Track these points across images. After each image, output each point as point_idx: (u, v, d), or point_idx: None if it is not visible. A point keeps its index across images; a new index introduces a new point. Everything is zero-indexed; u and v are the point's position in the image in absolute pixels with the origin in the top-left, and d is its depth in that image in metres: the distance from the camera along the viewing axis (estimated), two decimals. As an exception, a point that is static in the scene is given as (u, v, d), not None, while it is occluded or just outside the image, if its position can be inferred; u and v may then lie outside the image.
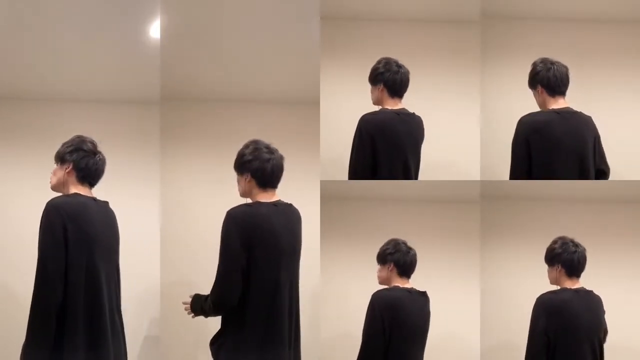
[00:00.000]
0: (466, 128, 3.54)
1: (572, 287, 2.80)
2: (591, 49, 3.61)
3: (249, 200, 2.68)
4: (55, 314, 2.40)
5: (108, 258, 2.60)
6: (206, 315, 2.68)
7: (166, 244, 3.46)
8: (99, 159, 2.62)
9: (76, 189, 2.59)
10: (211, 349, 2.61)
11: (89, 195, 2.61)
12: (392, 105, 2.98)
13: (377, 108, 3.00)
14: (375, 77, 2.99)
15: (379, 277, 3.00)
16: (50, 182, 2.63)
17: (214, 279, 2.58)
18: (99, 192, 2.68)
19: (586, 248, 2.87)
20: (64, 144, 2.62)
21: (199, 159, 3.66)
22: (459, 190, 3.52)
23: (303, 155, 3.55)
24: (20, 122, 3.56)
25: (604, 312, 2.84)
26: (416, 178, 3.03)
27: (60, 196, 2.54)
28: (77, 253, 2.45)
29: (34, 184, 3.39)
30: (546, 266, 2.89)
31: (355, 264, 3.55)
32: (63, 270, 2.41)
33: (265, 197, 2.65)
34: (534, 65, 2.96)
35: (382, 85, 2.97)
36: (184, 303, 2.76)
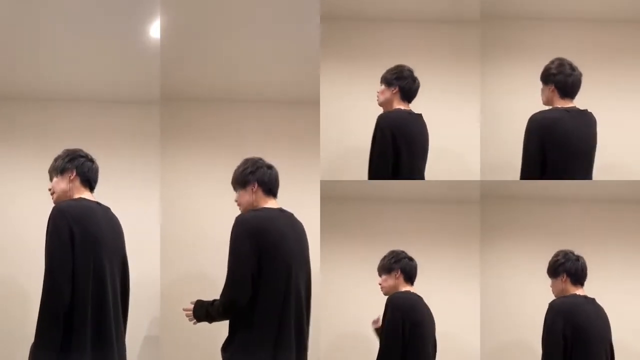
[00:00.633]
0: (466, 128, 3.54)
1: (581, 294, 2.82)
2: (591, 48, 3.60)
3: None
4: (62, 317, 2.41)
5: (114, 260, 2.61)
6: (211, 321, 2.68)
7: (166, 244, 3.46)
8: (96, 165, 2.68)
9: (81, 193, 2.61)
10: (223, 356, 2.61)
11: (92, 199, 2.63)
12: (404, 106, 3.02)
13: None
14: (391, 80, 3.05)
15: (384, 287, 3.05)
16: (52, 198, 2.64)
17: (214, 278, 2.58)
18: (99, 191, 2.68)
19: (586, 248, 2.88)
20: (57, 158, 2.64)
21: (199, 159, 3.66)
22: (459, 190, 3.52)
23: (303, 155, 3.55)
24: (20, 122, 3.56)
25: None
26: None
27: (66, 200, 2.57)
28: (83, 256, 2.46)
29: (34, 184, 3.39)
30: (546, 266, 2.89)
31: (355, 264, 3.55)
32: (70, 273, 2.43)
33: (270, 205, 2.69)
34: (553, 65, 2.97)
35: (397, 88, 3.03)
36: (185, 309, 2.75)
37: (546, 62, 3.19)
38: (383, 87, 3.07)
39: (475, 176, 3.44)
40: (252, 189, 2.69)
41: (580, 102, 2.98)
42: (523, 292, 3.34)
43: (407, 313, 2.89)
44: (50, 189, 2.65)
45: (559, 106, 2.94)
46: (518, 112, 3.60)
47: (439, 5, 3.57)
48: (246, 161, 2.75)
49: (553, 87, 2.95)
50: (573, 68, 2.96)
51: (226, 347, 2.60)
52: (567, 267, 2.82)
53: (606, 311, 2.84)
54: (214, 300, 2.64)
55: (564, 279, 2.83)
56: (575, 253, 2.87)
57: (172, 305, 3.07)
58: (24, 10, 3.01)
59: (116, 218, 2.70)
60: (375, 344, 3.00)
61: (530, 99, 3.48)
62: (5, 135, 3.55)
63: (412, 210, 3.64)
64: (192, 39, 3.31)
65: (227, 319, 2.63)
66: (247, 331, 2.55)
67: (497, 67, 3.62)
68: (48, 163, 2.65)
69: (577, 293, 2.82)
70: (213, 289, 2.66)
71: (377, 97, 3.09)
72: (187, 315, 2.74)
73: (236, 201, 2.75)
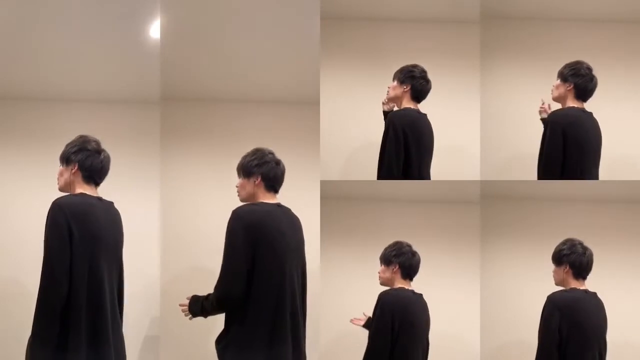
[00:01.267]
0: (466, 128, 3.54)
1: (581, 288, 2.81)
2: (591, 48, 3.60)
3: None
4: (59, 312, 2.42)
5: (111, 257, 2.61)
6: (206, 315, 2.69)
7: (166, 243, 3.46)
8: (104, 157, 2.65)
9: (82, 188, 2.61)
10: (217, 348, 2.62)
11: (94, 194, 2.63)
12: (413, 106, 3.01)
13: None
14: (405, 79, 3.05)
15: (381, 278, 3.01)
16: (58, 184, 2.65)
17: (214, 278, 2.58)
18: (99, 192, 2.68)
19: (587, 248, 2.88)
20: (68, 145, 2.64)
21: (199, 158, 3.66)
22: (459, 190, 3.52)
23: (303, 155, 3.55)
24: (20, 122, 3.56)
25: None
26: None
27: (66, 195, 2.57)
28: (81, 251, 2.47)
29: (34, 183, 3.40)
30: (546, 266, 2.89)
31: (355, 264, 3.55)
32: (68, 269, 2.44)
33: (269, 200, 2.70)
34: (574, 66, 2.99)
35: (409, 87, 3.04)
36: (181, 305, 2.77)
37: (546, 62, 3.20)
38: (395, 83, 3.07)
39: (475, 176, 3.44)
40: (255, 182, 2.69)
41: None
42: (523, 292, 3.34)
43: (398, 312, 2.84)
44: (58, 173, 2.65)
45: (576, 106, 2.96)
46: (518, 112, 3.62)
47: (439, 5, 3.57)
48: (256, 151, 2.75)
49: (572, 86, 2.97)
50: (592, 74, 2.97)
51: (220, 340, 2.62)
52: (571, 260, 2.80)
53: (607, 310, 2.84)
54: (209, 294, 2.64)
55: (566, 270, 2.82)
56: (584, 244, 2.85)
57: (172, 304, 3.06)
58: (24, 11, 3.01)
59: (117, 213, 2.70)
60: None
61: (530, 99, 3.49)
62: (5, 135, 3.55)
63: (412, 210, 3.64)
64: (192, 39, 3.31)
65: (221, 313, 2.63)
66: (241, 325, 2.56)
67: (497, 67, 3.62)
68: (48, 163, 2.65)
69: (577, 287, 2.80)
70: (213, 289, 2.66)
71: (388, 91, 3.09)
72: (183, 311, 2.76)
73: (237, 186, 2.75)
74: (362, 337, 2.93)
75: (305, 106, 3.54)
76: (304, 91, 3.47)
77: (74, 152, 2.61)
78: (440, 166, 3.44)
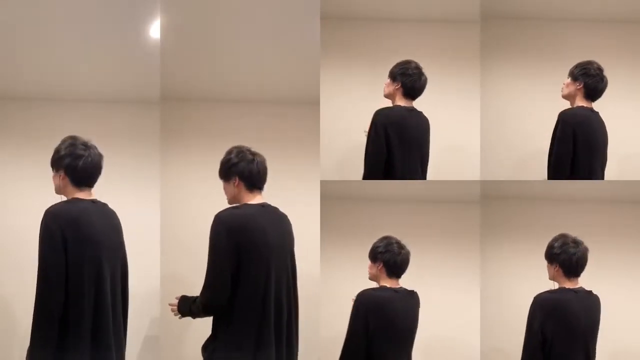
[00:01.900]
0: (466, 128, 3.54)
1: (571, 287, 2.79)
2: (591, 48, 3.60)
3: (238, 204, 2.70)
4: (57, 319, 2.42)
5: (112, 259, 2.60)
6: (194, 317, 2.71)
7: (166, 244, 3.46)
8: (90, 159, 2.59)
9: (74, 193, 2.59)
10: (203, 354, 2.62)
11: (88, 197, 2.61)
12: (405, 103, 3.03)
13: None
14: (396, 76, 3.03)
15: (369, 273, 2.99)
16: (54, 190, 2.64)
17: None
18: (98, 192, 2.68)
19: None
20: (55, 150, 2.61)
21: (199, 158, 3.66)
22: (459, 190, 3.52)
23: (303, 155, 3.55)
24: (20, 122, 3.56)
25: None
26: (425, 177, 3.06)
27: (58, 203, 2.55)
28: (78, 258, 2.46)
29: (33, 184, 3.39)
30: (546, 266, 2.89)
31: (354, 264, 3.54)
32: (63, 276, 2.43)
33: (253, 200, 2.68)
34: (585, 66, 3.00)
35: (400, 85, 3.02)
36: (171, 304, 2.79)
37: (546, 62, 3.20)
38: (388, 80, 3.07)
39: (476, 176, 3.44)
40: (234, 183, 2.68)
41: (580, 102, 2.99)
42: (523, 292, 3.32)
43: (373, 312, 2.77)
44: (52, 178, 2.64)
45: (585, 105, 2.99)
46: (518, 112, 3.62)
47: (439, 5, 3.57)
48: (230, 151, 2.72)
49: (581, 85, 2.98)
50: (603, 74, 2.99)
51: (207, 346, 2.61)
52: (561, 259, 2.79)
53: (608, 311, 2.84)
54: (197, 298, 2.65)
55: (556, 269, 2.82)
56: (578, 239, 2.84)
57: (172, 305, 3.07)
58: (24, 10, 3.01)
59: (114, 215, 2.68)
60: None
61: (530, 99, 3.49)
62: (5, 135, 3.55)
63: (412, 210, 3.64)
64: (192, 39, 3.31)
65: (208, 316, 2.64)
66: (226, 330, 2.56)
67: (497, 67, 3.62)
68: (47, 163, 2.65)
69: (569, 285, 2.79)
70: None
71: (383, 88, 3.09)
72: (173, 310, 2.78)
73: (224, 191, 2.75)
74: (362, 337, 2.93)
75: (305, 106, 3.54)
76: (304, 91, 3.47)
77: (60, 158, 2.58)
78: (440, 166, 3.45)
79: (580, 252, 2.80)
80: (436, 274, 3.53)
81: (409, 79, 3.02)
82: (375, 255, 2.94)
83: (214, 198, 2.79)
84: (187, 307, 2.70)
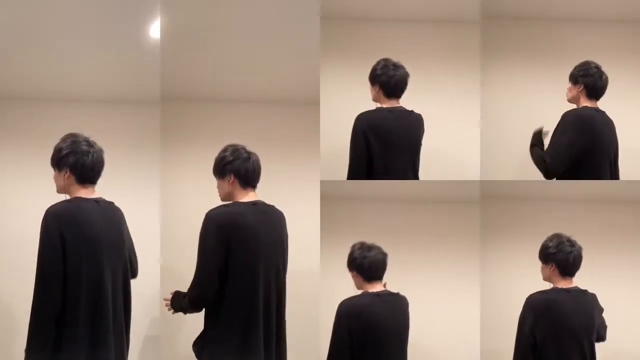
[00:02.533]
0: (466, 128, 3.54)
1: (565, 287, 2.78)
2: (591, 48, 3.60)
3: (229, 202, 2.71)
4: (54, 319, 2.42)
5: (116, 259, 2.60)
6: (185, 312, 2.73)
7: (166, 243, 3.46)
8: (94, 156, 2.59)
9: (78, 191, 2.59)
10: (194, 350, 2.64)
11: (91, 196, 2.60)
12: (388, 104, 3.00)
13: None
14: (373, 78, 3.02)
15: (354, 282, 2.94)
16: (56, 189, 2.63)
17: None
18: (99, 192, 2.68)
19: (586, 248, 2.86)
20: (56, 148, 2.60)
21: (199, 158, 3.65)
22: (459, 190, 3.52)
23: (303, 155, 3.55)
24: (19, 122, 3.56)
25: (600, 310, 2.83)
26: (417, 175, 3.03)
27: (59, 202, 2.54)
28: (77, 258, 2.46)
29: (33, 184, 3.40)
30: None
31: (355, 264, 3.55)
32: (61, 277, 2.43)
33: (245, 198, 2.69)
34: (583, 67, 3.02)
35: (378, 87, 2.99)
36: (165, 299, 2.82)
37: (546, 62, 3.20)
38: (370, 86, 3.05)
39: (475, 176, 3.43)
40: (229, 181, 2.69)
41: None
42: (523, 292, 3.32)
43: (354, 321, 2.71)
44: (53, 177, 2.64)
45: (589, 105, 2.99)
46: (518, 112, 3.61)
47: (439, 5, 3.57)
48: (225, 149, 2.74)
49: (582, 87, 3.00)
50: (601, 72, 3.01)
51: (197, 343, 2.65)
52: (558, 259, 2.78)
53: (607, 311, 2.84)
54: (186, 293, 2.68)
55: (552, 268, 2.81)
56: (572, 238, 2.83)
57: (172, 305, 3.07)
58: (24, 11, 3.01)
59: (117, 213, 2.68)
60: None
61: (530, 99, 3.49)
62: (5, 135, 3.55)
63: (412, 210, 3.64)
64: (192, 39, 3.31)
65: (196, 312, 2.67)
66: (215, 327, 2.59)
67: (497, 67, 3.62)
68: (47, 163, 2.64)
69: (561, 286, 2.78)
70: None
71: (566, 93, 3.08)
72: (167, 305, 2.81)
73: (217, 188, 2.76)
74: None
75: (305, 106, 3.54)
76: (304, 91, 3.47)
77: (64, 156, 2.56)
78: (441, 166, 3.45)
79: (576, 252, 2.80)
80: (436, 274, 3.53)
81: (384, 78, 2.98)
82: (349, 264, 2.88)
83: (214, 198, 2.79)
84: (178, 302, 2.74)
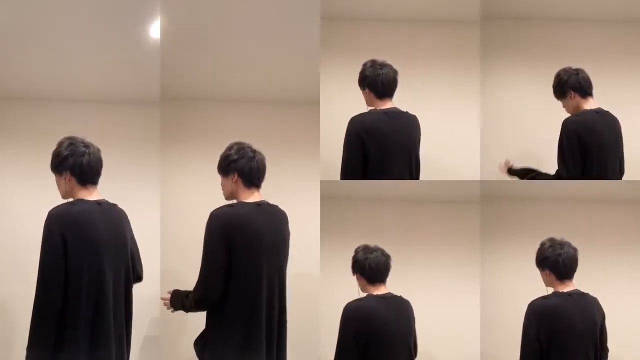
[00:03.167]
0: (466, 128, 3.54)
1: (565, 291, 2.77)
2: (591, 49, 3.61)
3: (234, 202, 2.71)
4: (55, 320, 2.43)
5: (115, 260, 2.60)
6: (186, 311, 2.73)
7: (166, 243, 3.46)
8: (91, 155, 2.59)
9: (81, 193, 2.59)
10: (195, 349, 2.65)
11: (94, 198, 2.61)
12: (381, 106, 2.97)
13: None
14: (361, 82, 2.99)
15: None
16: (61, 195, 2.64)
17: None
18: (99, 192, 2.68)
19: (586, 248, 2.86)
20: (54, 154, 2.60)
21: (199, 158, 3.66)
22: (459, 190, 3.52)
23: (303, 155, 3.55)
24: (19, 122, 3.56)
25: (603, 316, 2.82)
26: (417, 175, 3.03)
27: (61, 205, 2.55)
28: (78, 259, 2.46)
29: (33, 184, 3.40)
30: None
31: (355, 264, 3.55)
32: (62, 278, 2.44)
33: (250, 198, 2.69)
34: (561, 74, 3.05)
35: (367, 89, 2.97)
36: (163, 299, 2.82)
37: (546, 62, 3.20)
38: (360, 90, 3.02)
39: (475, 176, 3.44)
40: (233, 179, 2.69)
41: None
42: (523, 292, 3.32)
43: (360, 322, 2.72)
44: (55, 183, 2.64)
45: (587, 108, 3.00)
46: (518, 112, 3.62)
47: (439, 5, 3.57)
48: (231, 147, 2.73)
49: (570, 90, 3.02)
50: (571, 69, 3.03)
51: (198, 342, 2.65)
52: (550, 263, 2.78)
53: (608, 313, 2.83)
54: (189, 293, 2.68)
55: (547, 274, 2.81)
56: (564, 240, 2.81)
57: (172, 305, 3.07)
58: (24, 10, 3.01)
59: (120, 215, 2.69)
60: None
61: (530, 99, 3.49)
62: (5, 135, 3.55)
63: (412, 210, 3.64)
64: (192, 39, 3.31)
65: (200, 311, 2.67)
66: (218, 326, 2.59)
67: (497, 67, 3.62)
68: (47, 163, 2.65)
69: (562, 289, 2.77)
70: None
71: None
72: (165, 304, 2.81)
73: (221, 185, 2.75)
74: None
75: (305, 106, 3.54)
76: (304, 91, 3.47)
77: (64, 159, 2.57)
78: (441, 166, 3.45)
79: (566, 253, 2.77)
80: (436, 274, 3.52)
81: (370, 81, 2.95)
82: (352, 267, 2.89)
83: (214, 198, 2.79)
84: (179, 301, 2.73)
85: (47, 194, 2.65)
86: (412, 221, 3.62)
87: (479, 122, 3.49)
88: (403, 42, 3.63)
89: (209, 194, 3.54)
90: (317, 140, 3.43)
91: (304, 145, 3.54)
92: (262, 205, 2.69)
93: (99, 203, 2.61)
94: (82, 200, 2.58)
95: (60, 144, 2.61)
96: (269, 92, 3.66)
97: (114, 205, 2.68)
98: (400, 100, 3.02)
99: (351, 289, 2.94)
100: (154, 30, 3.21)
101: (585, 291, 2.81)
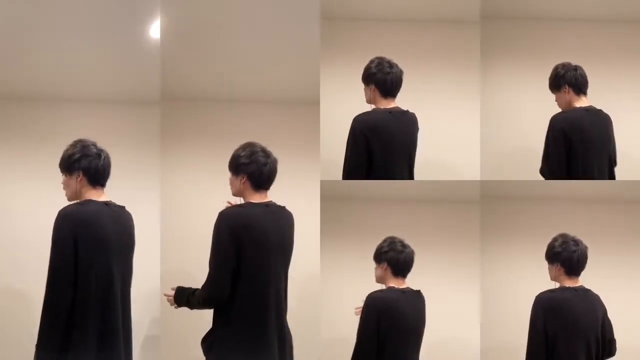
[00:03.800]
0: (466, 128, 3.54)
1: (572, 286, 2.80)
2: (591, 49, 3.61)
3: (240, 200, 2.71)
4: (64, 319, 2.44)
5: (122, 261, 2.63)
6: (191, 308, 2.73)
7: (166, 243, 3.46)
8: (105, 158, 2.64)
9: (89, 194, 2.61)
10: (202, 347, 2.65)
11: (102, 199, 2.63)
12: (384, 105, 2.98)
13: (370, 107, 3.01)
14: (367, 77, 2.99)
15: (375, 276, 3.00)
16: (66, 196, 2.64)
17: (214, 278, 2.58)
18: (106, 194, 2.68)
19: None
20: (67, 153, 2.62)
21: (199, 159, 3.66)
22: (459, 190, 3.52)
23: (303, 155, 3.55)
24: (20, 122, 3.56)
25: (605, 311, 2.84)
26: (412, 176, 3.03)
27: (71, 204, 2.57)
28: (88, 259, 2.48)
29: (34, 184, 3.40)
30: (546, 266, 2.89)
31: (354, 264, 3.55)
32: (72, 278, 2.45)
33: (257, 199, 2.69)
34: (559, 68, 3.06)
35: (373, 86, 2.97)
36: (166, 295, 2.82)
37: (546, 62, 3.20)
38: (365, 86, 3.03)
39: (475, 176, 3.44)
40: (241, 180, 2.69)
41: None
42: (523, 292, 3.33)
43: (383, 315, 2.76)
44: (62, 183, 2.65)
45: (578, 106, 3.00)
46: (518, 112, 3.62)
47: (439, 5, 3.57)
48: (244, 147, 2.72)
49: (565, 85, 3.02)
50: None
51: (206, 340, 2.65)
52: (563, 258, 2.80)
53: (608, 311, 2.84)
54: (195, 290, 2.68)
55: (558, 268, 2.82)
56: (577, 239, 2.84)
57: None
58: (24, 10, 3.02)
59: (127, 216, 2.71)
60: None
61: (530, 99, 3.49)
62: (5, 135, 3.55)
63: (412, 210, 3.64)
64: (192, 39, 3.31)
65: (206, 309, 2.67)
66: (225, 325, 2.60)
67: (497, 67, 3.62)
68: (48, 163, 2.65)
69: (570, 284, 2.79)
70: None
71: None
72: (169, 300, 2.81)
73: (229, 183, 2.76)
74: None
75: (305, 106, 3.54)
76: (304, 91, 3.48)
77: (77, 160, 2.59)
78: (441, 166, 3.45)
79: (580, 251, 2.81)
80: (436, 274, 3.52)
81: (377, 78, 2.95)
82: (379, 255, 2.94)
83: (214, 198, 2.79)
84: (184, 298, 2.73)
85: (47, 194, 2.66)
86: (412, 221, 3.62)
87: (479, 122, 3.49)
88: (403, 42, 3.63)
89: (209, 194, 3.55)
90: (317, 140, 3.43)
91: (304, 145, 3.54)
92: (270, 206, 2.70)
93: (107, 204, 2.63)
94: (91, 201, 2.60)
95: (73, 145, 2.63)
96: (269, 92, 3.66)
97: (122, 207, 2.70)
98: (400, 100, 3.03)
99: (351, 289, 2.94)
100: (154, 30, 3.21)
101: (580, 280, 2.83)
